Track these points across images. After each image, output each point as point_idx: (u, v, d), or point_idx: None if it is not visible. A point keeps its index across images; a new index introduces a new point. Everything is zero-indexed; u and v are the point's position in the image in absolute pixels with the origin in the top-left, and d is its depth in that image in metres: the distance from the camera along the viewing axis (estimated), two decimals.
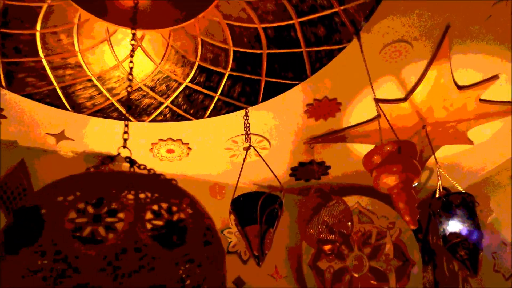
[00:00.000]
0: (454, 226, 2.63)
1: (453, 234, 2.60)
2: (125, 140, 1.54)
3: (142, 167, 1.32)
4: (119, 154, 1.40)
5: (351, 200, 3.68)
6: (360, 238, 3.71)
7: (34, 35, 2.18)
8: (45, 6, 2.06)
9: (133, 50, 1.74)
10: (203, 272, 1.09)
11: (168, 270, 1.02)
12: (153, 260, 1.01)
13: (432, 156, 3.16)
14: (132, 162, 1.39)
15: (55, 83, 2.45)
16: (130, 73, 1.73)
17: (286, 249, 3.57)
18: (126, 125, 1.55)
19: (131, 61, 1.70)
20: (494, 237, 3.59)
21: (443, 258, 3.83)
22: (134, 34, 1.76)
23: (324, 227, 3.09)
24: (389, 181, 1.95)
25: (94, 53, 2.34)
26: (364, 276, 3.56)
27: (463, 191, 2.75)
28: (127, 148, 1.46)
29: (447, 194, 2.74)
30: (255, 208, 2.25)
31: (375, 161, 1.99)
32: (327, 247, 2.80)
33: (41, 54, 2.28)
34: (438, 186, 2.85)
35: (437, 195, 2.81)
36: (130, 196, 1.08)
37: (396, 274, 3.62)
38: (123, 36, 2.28)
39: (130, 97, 2.61)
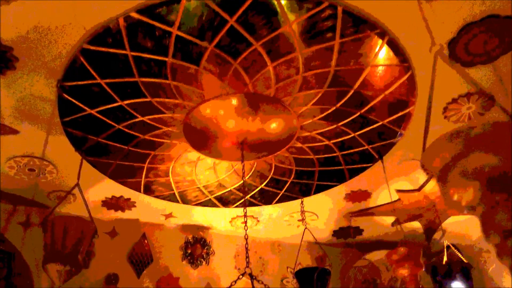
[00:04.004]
0: (455, 285, 3.66)
1: None
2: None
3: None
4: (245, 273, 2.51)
5: (381, 253, 4.74)
6: (388, 283, 4.75)
7: (169, 167, 3.39)
8: (178, 154, 3.25)
9: (243, 178, 2.91)
10: None
11: None
12: None
13: (444, 221, 4.21)
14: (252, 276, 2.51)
15: (175, 190, 3.65)
16: (244, 192, 2.88)
17: None
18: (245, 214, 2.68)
19: (243, 181, 2.85)
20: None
21: None
22: (243, 166, 2.93)
23: (360, 281, 4.18)
24: (403, 272, 3.03)
25: (203, 175, 3.52)
26: None
27: (463, 260, 3.77)
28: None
29: (450, 263, 3.76)
30: (313, 278, 3.38)
31: (394, 258, 3.08)
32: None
33: (171, 177, 3.48)
34: (444, 255, 3.87)
35: (443, 262, 3.84)
36: None
37: None
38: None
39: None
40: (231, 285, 2.36)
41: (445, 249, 3.91)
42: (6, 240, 3.48)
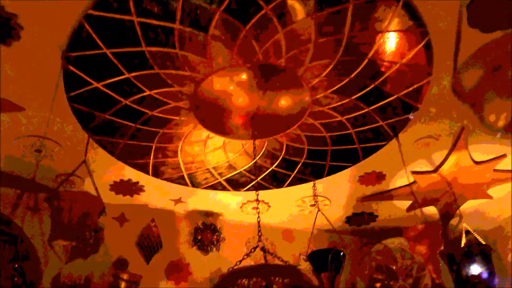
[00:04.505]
0: (474, 270, 3.52)
1: (473, 276, 3.49)
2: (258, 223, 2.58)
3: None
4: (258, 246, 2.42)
5: (396, 241, 4.62)
6: (404, 271, 4.61)
7: (178, 147, 3.30)
8: (187, 132, 3.17)
9: (254, 157, 2.81)
10: None
11: None
12: None
13: (462, 205, 4.07)
14: (264, 250, 2.41)
15: (184, 172, 3.57)
16: (255, 174, 2.79)
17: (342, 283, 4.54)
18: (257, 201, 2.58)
19: (255, 160, 2.76)
20: None
21: None
22: (254, 144, 2.83)
23: (374, 267, 4.05)
24: (421, 249, 2.90)
25: (213, 155, 3.43)
26: None
27: (483, 243, 3.63)
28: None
29: (469, 245, 3.62)
30: (327, 260, 3.26)
31: (411, 235, 2.95)
32: (378, 285, 3.75)
33: (180, 157, 3.40)
34: (462, 237, 3.74)
35: (462, 244, 3.70)
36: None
37: None
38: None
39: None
40: (243, 258, 2.27)
41: (463, 234, 3.77)
42: (13, 223, 3.40)
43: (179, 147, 3.31)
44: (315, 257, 3.35)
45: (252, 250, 2.34)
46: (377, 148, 3.44)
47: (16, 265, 3.29)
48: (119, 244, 3.91)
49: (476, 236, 3.74)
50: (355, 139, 3.33)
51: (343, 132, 3.27)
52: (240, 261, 2.26)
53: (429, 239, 2.86)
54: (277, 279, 2.08)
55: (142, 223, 4.02)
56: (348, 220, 4.59)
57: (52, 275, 3.57)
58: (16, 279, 3.31)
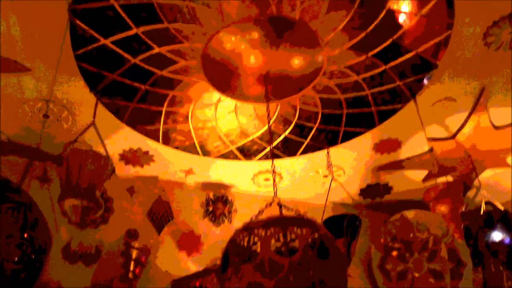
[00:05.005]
0: (495, 236, 3.41)
1: (494, 243, 3.38)
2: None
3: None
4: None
5: (410, 213, 4.51)
6: (419, 244, 4.50)
7: (188, 111, 3.22)
8: (198, 94, 3.08)
9: (268, 120, 2.71)
10: None
11: None
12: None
13: (480, 174, 3.95)
14: (280, 206, 2.32)
15: (195, 140, 3.48)
16: (270, 140, 2.69)
17: (358, 255, 4.43)
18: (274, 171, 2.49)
19: (270, 123, 2.66)
20: None
21: (490, 261, 4.55)
22: (268, 111, 2.73)
23: (390, 237, 3.95)
24: (443, 209, 2.80)
25: (224, 120, 3.34)
26: (424, 275, 4.36)
27: (502, 209, 3.51)
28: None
29: (490, 211, 3.51)
30: (343, 226, 3.17)
31: (431, 195, 2.84)
32: (394, 253, 3.65)
33: (190, 122, 3.31)
34: (482, 204, 3.62)
35: (481, 212, 3.59)
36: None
37: (451, 274, 4.39)
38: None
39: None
40: (259, 212, 2.18)
41: (483, 202, 3.65)
42: (22, 191, 3.35)
43: (190, 112, 3.23)
44: (330, 223, 3.26)
45: (268, 205, 2.25)
46: (394, 111, 3.32)
47: (26, 234, 3.24)
48: (129, 215, 3.85)
49: (496, 203, 3.63)
50: (371, 101, 3.22)
51: (359, 94, 3.16)
52: (256, 216, 2.17)
53: (450, 198, 2.75)
54: (295, 229, 2.00)
55: (153, 195, 3.95)
56: (363, 192, 4.47)
57: (62, 245, 3.52)
58: (25, 247, 3.27)
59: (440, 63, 2.88)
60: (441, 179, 3.10)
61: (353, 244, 3.16)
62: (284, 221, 2.07)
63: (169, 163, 3.87)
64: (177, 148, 3.56)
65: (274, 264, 1.88)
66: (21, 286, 3.27)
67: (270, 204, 2.26)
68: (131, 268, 3.46)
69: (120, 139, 3.51)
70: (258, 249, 1.97)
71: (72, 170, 2.47)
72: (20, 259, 3.28)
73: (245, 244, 2.02)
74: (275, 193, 2.35)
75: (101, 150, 2.71)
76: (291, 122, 3.42)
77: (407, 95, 3.16)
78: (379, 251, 4.23)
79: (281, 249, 1.96)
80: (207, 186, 4.22)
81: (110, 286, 3.46)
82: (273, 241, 1.97)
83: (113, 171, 2.67)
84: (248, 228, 2.07)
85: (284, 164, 3.96)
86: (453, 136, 3.68)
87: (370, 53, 2.81)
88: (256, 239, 2.00)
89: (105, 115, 3.15)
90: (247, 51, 2.85)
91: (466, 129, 3.55)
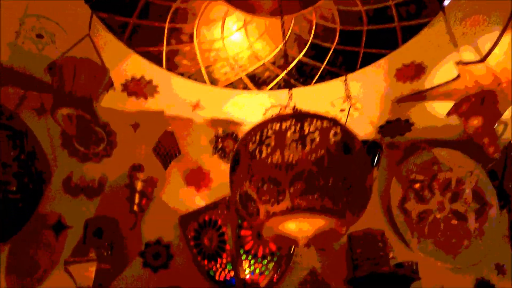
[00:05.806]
0: None
1: None
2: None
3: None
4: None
5: (433, 152, 4.23)
6: (441, 185, 4.24)
7: (193, 28, 2.94)
8: (203, 6, 2.80)
9: (284, 37, 2.43)
10: None
11: None
12: None
13: (507, 111, 3.62)
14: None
15: (201, 64, 3.21)
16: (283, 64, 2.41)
17: (378, 193, 4.18)
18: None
19: (285, 41, 2.39)
20: None
21: None
22: (283, 23, 2.43)
23: (411, 176, 3.71)
24: (476, 123, 2.52)
25: (231, 40, 3.06)
26: (446, 217, 4.12)
27: None
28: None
29: None
30: None
31: (463, 109, 2.56)
32: (417, 185, 3.41)
33: (195, 43, 3.04)
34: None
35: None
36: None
37: (475, 215, 4.14)
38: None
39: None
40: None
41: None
42: (17, 117, 3.14)
43: (195, 28, 2.95)
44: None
45: (283, 109, 2.01)
46: (419, 27, 3.01)
47: (22, 162, 3.06)
48: (133, 150, 3.64)
49: None
50: (394, 14, 2.91)
51: (382, 5, 2.85)
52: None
53: (483, 111, 2.47)
54: (314, 121, 1.75)
55: (159, 130, 3.71)
56: (381, 130, 4.18)
57: (62, 177, 3.34)
58: (22, 177, 3.09)
59: None
60: (473, 91, 2.81)
61: (373, 170, 2.91)
62: (303, 115, 1.82)
63: (175, 95, 3.61)
64: (182, 74, 3.30)
65: (290, 158, 1.66)
66: (20, 215, 3.12)
67: (285, 108, 2.02)
68: (136, 200, 3.27)
69: (121, 65, 3.25)
70: (272, 143, 1.74)
71: (65, 78, 2.23)
72: (18, 189, 3.12)
73: (257, 139, 1.79)
74: (290, 95, 2.09)
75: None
76: (307, 42, 3.13)
77: (435, 6, 2.85)
78: (399, 190, 3.98)
79: (298, 142, 1.72)
80: (216, 122, 3.97)
81: (115, 219, 3.29)
82: (289, 133, 1.73)
83: (111, 84, 2.43)
84: (261, 125, 1.85)
85: (297, 96, 3.67)
86: (483, 59, 3.35)
87: None
88: (270, 132, 1.77)
89: (104, 36, 2.88)
90: None
91: (498, 50, 3.22)
